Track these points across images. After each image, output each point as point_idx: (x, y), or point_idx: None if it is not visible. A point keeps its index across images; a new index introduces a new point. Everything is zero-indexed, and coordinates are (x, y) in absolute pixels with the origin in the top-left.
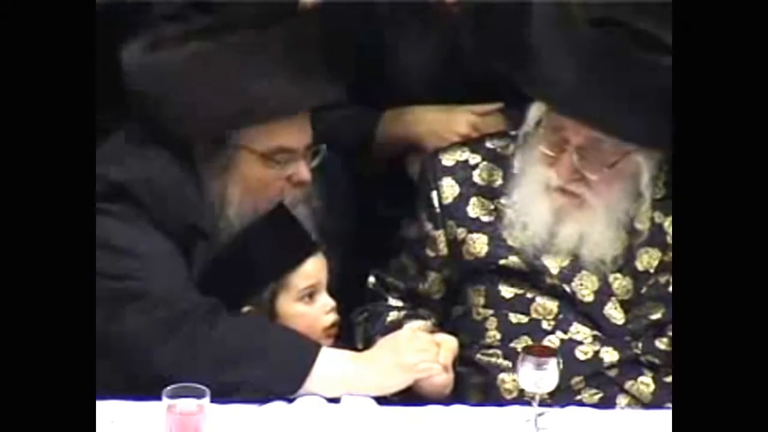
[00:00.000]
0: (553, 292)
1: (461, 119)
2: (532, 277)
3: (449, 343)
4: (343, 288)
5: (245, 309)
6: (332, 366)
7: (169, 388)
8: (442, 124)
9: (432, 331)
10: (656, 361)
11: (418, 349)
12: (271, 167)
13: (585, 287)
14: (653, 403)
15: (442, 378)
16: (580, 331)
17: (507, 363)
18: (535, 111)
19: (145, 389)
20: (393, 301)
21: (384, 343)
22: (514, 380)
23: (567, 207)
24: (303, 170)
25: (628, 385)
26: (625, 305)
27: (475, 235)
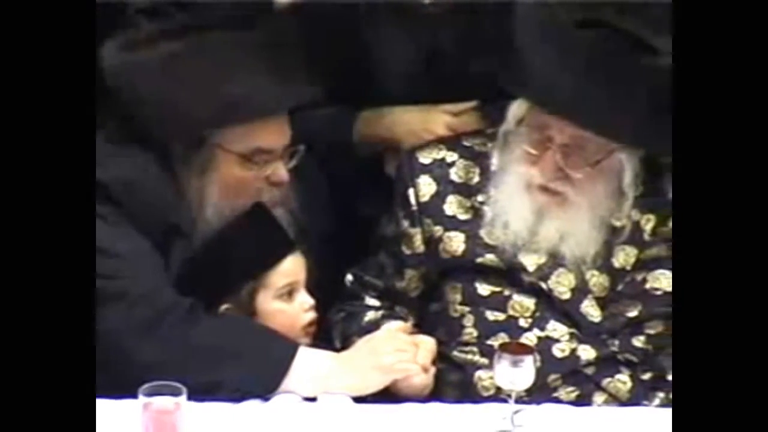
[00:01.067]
0: (530, 290)
1: (437, 119)
2: (509, 274)
3: (427, 344)
4: (321, 287)
5: (224, 307)
6: (310, 366)
7: (145, 386)
8: (419, 124)
9: (411, 332)
10: (633, 358)
11: (396, 350)
12: (250, 168)
13: (562, 284)
14: (630, 401)
15: (420, 378)
16: (557, 328)
17: (484, 360)
18: (516, 109)
19: (125, 388)
20: (370, 301)
21: (362, 344)
22: (491, 377)
23: (549, 205)
24: (281, 171)
25: (605, 382)
26: (602, 302)
27: (452, 233)
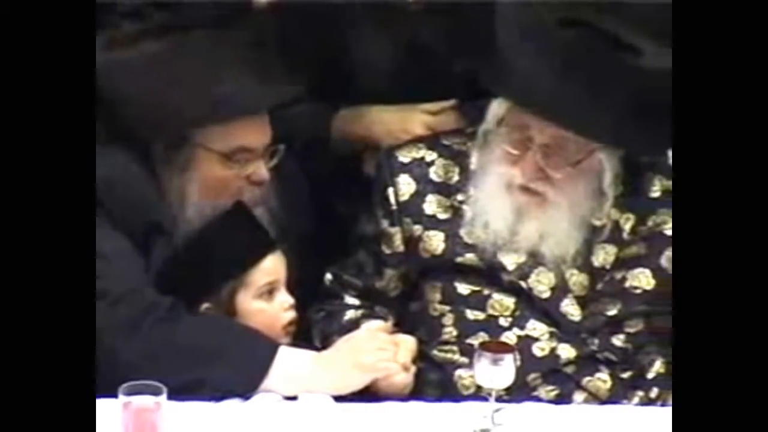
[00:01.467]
0: (510, 289)
1: (416, 118)
2: (489, 274)
3: (408, 343)
4: (301, 286)
5: (204, 306)
6: (291, 365)
7: (125, 385)
8: (397, 123)
9: (391, 332)
10: (613, 357)
11: (376, 349)
12: (230, 167)
13: (542, 284)
14: (610, 400)
15: (401, 377)
16: (536, 327)
17: (464, 359)
18: (496, 109)
19: (105, 387)
20: (350, 300)
21: (342, 343)
22: (471, 376)
23: (529, 205)
24: (262, 170)
25: (584, 381)
26: (582, 301)
27: (431, 233)
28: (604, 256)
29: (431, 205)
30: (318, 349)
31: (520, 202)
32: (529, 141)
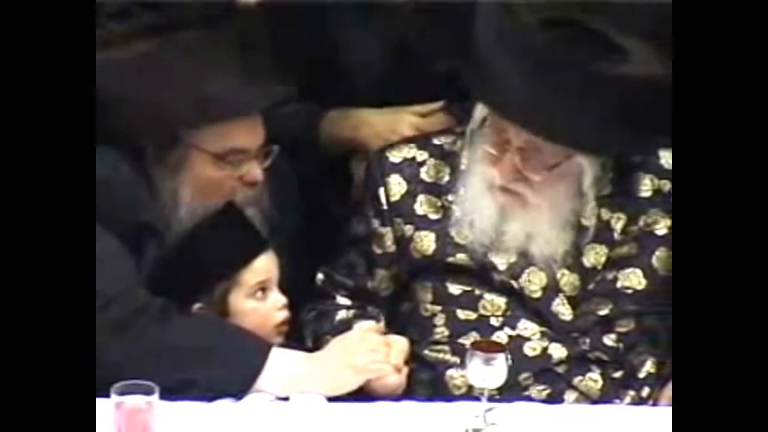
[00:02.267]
0: (502, 289)
1: (404, 121)
2: (480, 273)
3: (400, 344)
4: (293, 286)
5: (196, 307)
6: (283, 366)
7: (117, 385)
8: (386, 126)
9: (383, 332)
10: (604, 357)
11: (369, 350)
12: (223, 168)
13: (533, 283)
14: (601, 399)
15: (393, 378)
16: (528, 327)
17: (455, 359)
18: (481, 109)
19: (98, 388)
20: (341, 300)
21: (335, 344)
22: (462, 376)
23: (511, 205)
24: (255, 170)
25: (576, 381)
26: (573, 301)
27: (422, 233)
28: (594, 256)
29: (422, 205)
30: (310, 349)
31: (502, 203)
32: (507, 143)
